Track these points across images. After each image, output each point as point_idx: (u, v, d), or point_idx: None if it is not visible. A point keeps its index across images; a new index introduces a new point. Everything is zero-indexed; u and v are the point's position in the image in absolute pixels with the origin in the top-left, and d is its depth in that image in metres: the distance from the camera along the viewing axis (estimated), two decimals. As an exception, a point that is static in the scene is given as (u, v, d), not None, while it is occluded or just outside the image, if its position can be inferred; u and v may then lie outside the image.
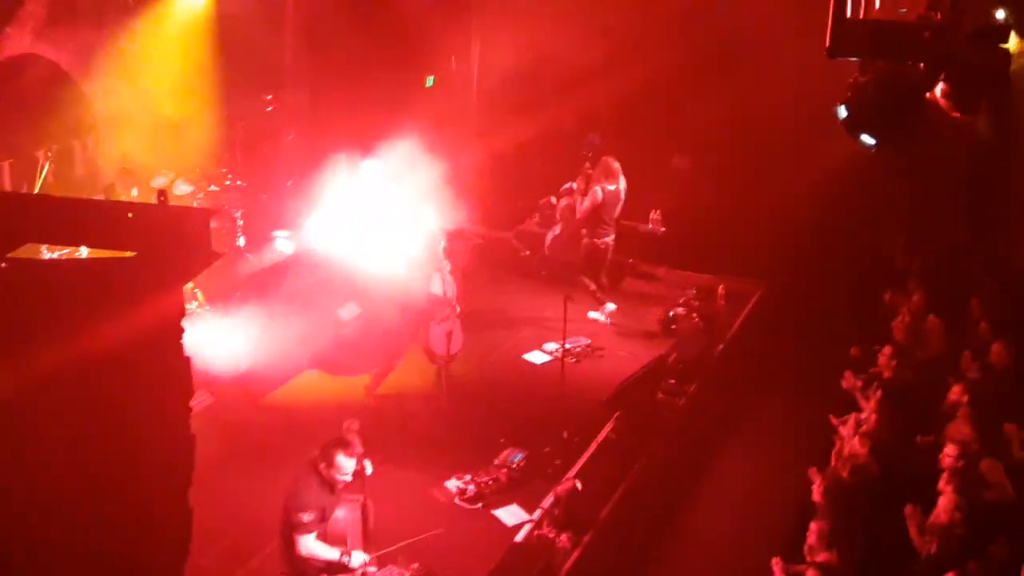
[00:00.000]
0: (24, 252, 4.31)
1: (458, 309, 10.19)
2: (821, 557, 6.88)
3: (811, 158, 12.68)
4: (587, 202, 12.05)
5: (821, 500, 7.39)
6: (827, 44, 9.09)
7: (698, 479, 9.65)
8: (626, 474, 8.84)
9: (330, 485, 6.50)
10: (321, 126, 13.49)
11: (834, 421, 8.86)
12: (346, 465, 6.48)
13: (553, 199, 13.97)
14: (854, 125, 9.63)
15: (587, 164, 12.60)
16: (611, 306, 12.14)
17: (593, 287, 12.23)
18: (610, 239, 12.28)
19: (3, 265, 3.60)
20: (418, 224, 10.38)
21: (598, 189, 11.98)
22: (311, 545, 6.47)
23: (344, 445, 6.53)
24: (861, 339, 10.01)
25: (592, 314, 12.06)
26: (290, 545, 6.55)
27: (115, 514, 3.44)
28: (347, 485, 6.65)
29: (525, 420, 9.81)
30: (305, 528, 6.42)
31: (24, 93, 10.13)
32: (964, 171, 11.54)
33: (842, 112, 9.63)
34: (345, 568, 6.58)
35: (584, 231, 12.24)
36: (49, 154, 10.44)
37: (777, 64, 13.23)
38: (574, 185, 12.82)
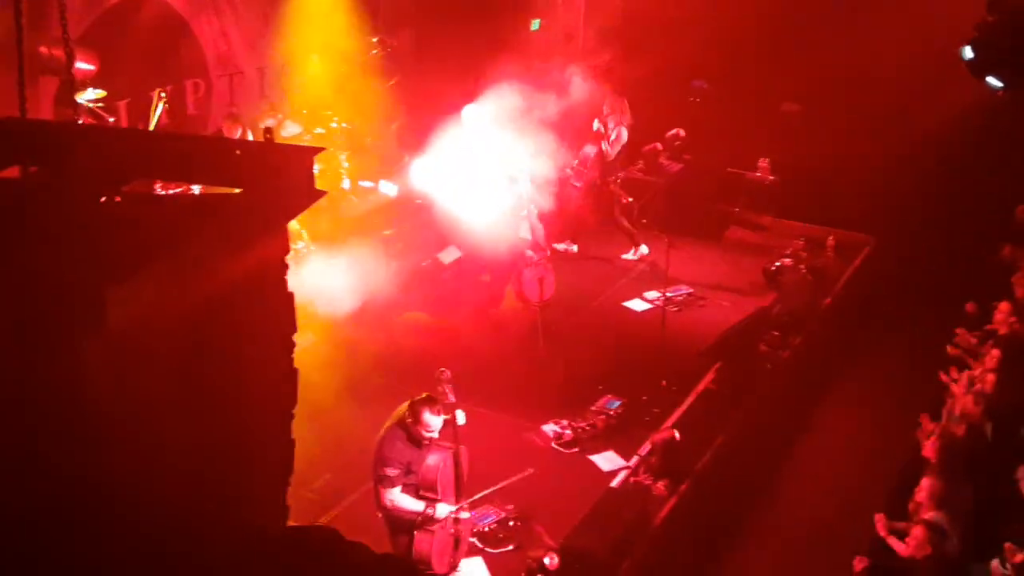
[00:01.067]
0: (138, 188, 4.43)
1: (548, 253, 10.11)
2: (929, 515, 6.70)
3: (930, 103, 12.17)
4: (618, 144, 11.96)
5: (933, 457, 7.18)
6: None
7: (799, 432, 9.49)
8: (725, 425, 8.74)
9: (417, 440, 6.55)
10: (425, 70, 13.48)
11: (945, 379, 8.58)
12: (433, 422, 6.49)
13: (659, 145, 13.73)
14: (980, 67, 9.13)
15: (604, 106, 12.34)
16: (645, 248, 12.08)
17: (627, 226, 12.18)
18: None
19: (117, 199, 3.68)
20: (516, 170, 10.31)
21: (624, 130, 11.84)
22: (395, 498, 6.54)
23: (431, 403, 6.52)
24: (977, 295, 9.63)
25: (626, 255, 11.98)
26: (379, 495, 6.65)
27: (219, 441, 3.52)
28: (440, 433, 6.66)
29: (624, 367, 9.77)
30: (389, 482, 6.49)
31: (140, 35, 10.36)
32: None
33: (967, 53, 9.14)
34: (431, 519, 6.64)
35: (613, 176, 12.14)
36: (163, 95, 10.68)
37: (895, 2, 12.67)
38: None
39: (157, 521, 2.48)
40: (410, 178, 11.90)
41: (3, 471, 2.77)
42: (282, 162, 4.19)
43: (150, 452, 3.25)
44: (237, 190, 3.97)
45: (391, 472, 6.46)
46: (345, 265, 10.65)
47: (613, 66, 12.72)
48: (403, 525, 6.69)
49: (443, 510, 6.64)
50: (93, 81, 9.37)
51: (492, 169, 11.22)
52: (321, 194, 4.27)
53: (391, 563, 2.26)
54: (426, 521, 6.59)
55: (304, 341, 9.58)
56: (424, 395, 6.63)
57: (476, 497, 6.87)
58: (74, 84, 5.90)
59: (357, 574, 2.21)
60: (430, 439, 6.57)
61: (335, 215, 11.05)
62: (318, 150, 4.39)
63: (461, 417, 6.75)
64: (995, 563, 6.40)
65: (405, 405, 6.59)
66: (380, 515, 6.81)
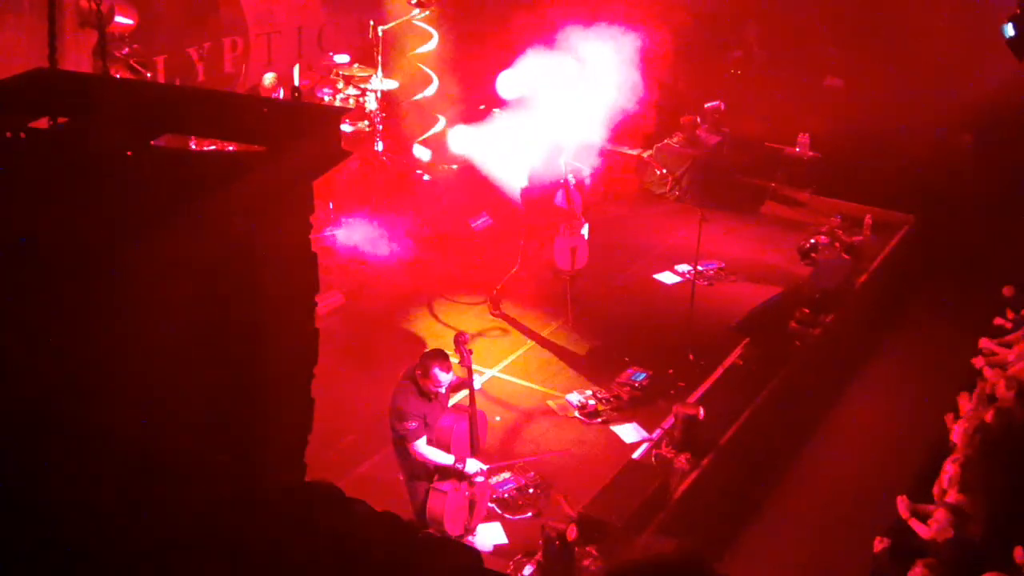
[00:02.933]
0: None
1: (583, 223, 10.05)
2: (953, 498, 6.64)
3: (971, 81, 11.92)
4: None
5: (961, 442, 7.11)
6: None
7: (826, 411, 9.42)
8: (751, 401, 8.69)
9: (427, 395, 6.59)
10: (464, 34, 13.39)
11: (978, 363, 8.47)
12: (442, 378, 6.53)
13: (698, 118, 13.58)
14: (1022, 45, 8.92)
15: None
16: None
17: None
18: None
19: (146, 152, 3.71)
20: (551, 138, 10.24)
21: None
22: (424, 450, 6.60)
23: (441, 359, 6.57)
24: (1015, 278, 9.48)
25: None
26: (403, 453, 6.69)
27: (237, 397, 3.55)
28: (457, 404, 6.69)
29: (651, 340, 9.72)
30: (413, 435, 6.53)
31: (179, -9, 10.39)
32: None
33: (1009, 30, 8.93)
34: (459, 473, 6.68)
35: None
36: (201, 52, 10.72)
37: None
38: None
39: (171, 470, 2.51)
40: (444, 142, 11.88)
41: (24, 419, 2.81)
42: (309, 121, 4.20)
43: (167, 403, 3.29)
44: (264, 148, 3.98)
45: (412, 425, 6.51)
46: (375, 228, 10.69)
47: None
48: (417, 487, 6.74)
49: (473, 466, 6.69)
50: (132, 36, 9.41)
51: (533, 136, 11.17)
52: (347, 154, 4.27)
53: (387, 519, 2.26)
54: (451, 475, 6.63)
55: (332, 301, 9.65)
56: (435, 350, 6.67)
57: (503, 464, 6.89)
58: (106, 38, 5.91)
59: (353, 528, 2.22)
60: (438, 393, 6.61)
61: (367, 177, 11.04)
62: (345, 110, 4.38)
63: (478, 382, 6.76)
64: (1019, 549, 6.33)
65: (416, 360, 6.65)
66: (401, 477, 6.87)
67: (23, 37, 8.70)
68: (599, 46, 11.69)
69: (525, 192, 10.24)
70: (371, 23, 11.49)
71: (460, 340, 6.85)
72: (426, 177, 11.64)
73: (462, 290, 10.59)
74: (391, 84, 11.48)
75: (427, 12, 11.60)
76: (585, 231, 10.14)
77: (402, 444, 6.65)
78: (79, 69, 8.62)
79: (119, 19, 9.00)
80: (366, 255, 10.56)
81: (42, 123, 3.97)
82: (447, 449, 6.64)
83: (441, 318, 10.03)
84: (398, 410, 6.56)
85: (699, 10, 13.13)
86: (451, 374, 6.60)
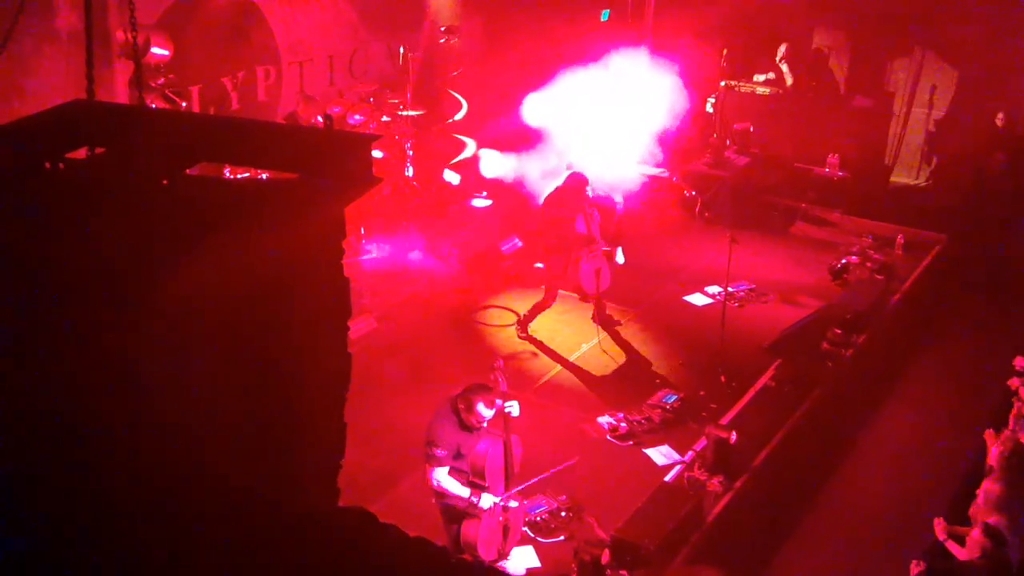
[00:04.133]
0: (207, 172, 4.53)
1: (604, 246, 10.07)
2: (989, 519, 6.56)
3: (1004, 101, 11.85)
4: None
5: (997, 463, 7.04)
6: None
7: (859, 431, 9.34)
8: (784, 422, 8.63)
9: (467, 427, 6.60)
10: (494, 59, 13.51)
11: (1013, 383, 8.38)
12: (484, 413, 6.52)
13: (727, 140, 13.60)
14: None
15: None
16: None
17: None
18: None
19: (182, 181, 3.78)
20: (577, 162, 10.30)
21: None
22: (442, 479, 6.60)
23: (485, 393, 6.56)
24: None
25: None
26: (426, 475, 6.71)
27: (271, 422, 3.59)
28: (491, 422, 6.71)
29: (682, 361, 9.70)
30: (437, 462, 6.54)
31: (213, 21, 10.54)
32: None
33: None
34: (475, 507, 6.66)
35: None
36: (235, 81, 10.87)
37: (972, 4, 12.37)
38: None
39: (205, 497, 2.55)
40: (475, 167, 11.98)
41: (61, 441, 2.86)
42: (342, 149, 4.26)
43: (201, 428, 3.33)
44: (297, 175, 4.04)
45: (440, 452, 6.52)
46: (407, 252, 10.77)
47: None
48: (452, 511, 6.75)
49: (487, 501, 6.67)
50: (167, 66, 9.57)
51: (556, 160, 11.22)
52: (379, 180, 4.33)
53: (420, 545, 2.28)
54: (471, 508, 6.64)
55: (365, 326, 9.72)
56: (478, 384, 6.68)
57: (521, 488, 6.89)
58: (142, 68, 6.03)
59: (386, 554, 2.24)
60: (478, 428, 6.62)
61: (399, 202, 11.14)
62: (376, 137, 4.44)
63: (515, 409, 6.76)
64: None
65: (459, 391, 6.66)
66: (434, 500, 6.89)
67: (61, 67, 8.90)
68: (632, 67, 11.78)
69: (543, 216, 10.29)
70: (401, 49, 11.64)
71: (496, 366, 6.87)
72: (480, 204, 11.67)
73: (491, 313, 10.63)
74: (420, 110, 11.61)
75: (455, 39, 11.75)
76: (620, 256, 10.13)
77: (425, 468, 6.67)
78: (115, 99, 8.80)
79: (155, 50, 9.17)
80: (398, 279, 10.64)
81: (80, 154, 4.06)
82: (482, 475, 6.63)
83: (471, 341, 10.07)
84: (433, 434, 6.58)
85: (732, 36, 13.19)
86: (493, 410, 6.59)
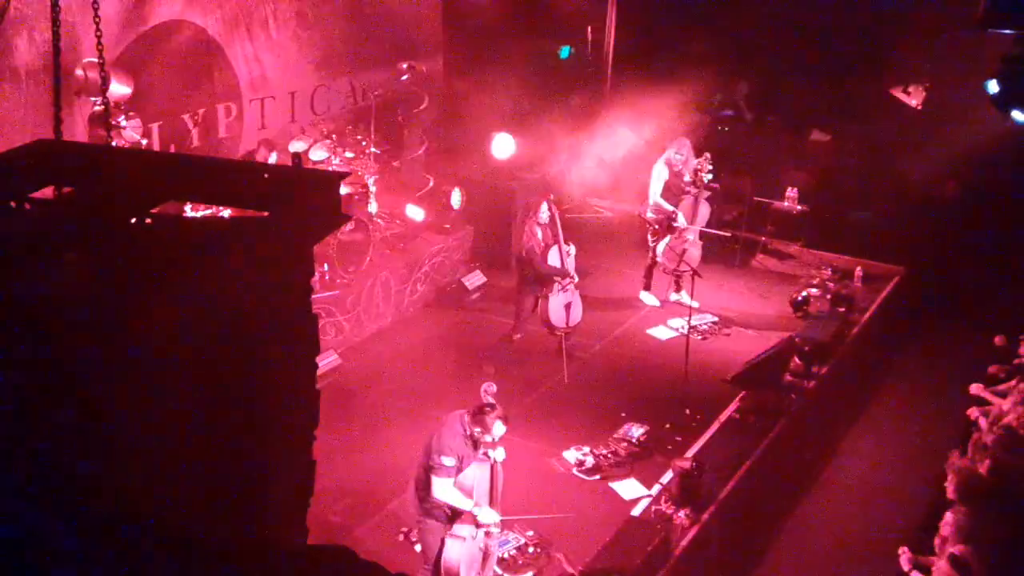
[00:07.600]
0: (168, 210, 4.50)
1: (576, 280, 10.12)
2: (954, 549, 6.62)
3: (957, 136, 12.12)
4: None
5: (957, 493, 7.11)
6: (979, 14, 8.53)
7: (823, 462, 9.42)
8: (749, 454, 8.69)
9: (474, 442, 6.61)
10: (455, 95, 13.60)
11: (972, 413, 8.50)
12: (500, 430, 6.60)
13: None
14: (1006, 101, 9.11)
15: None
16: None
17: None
18: None
19: (148, 221, 3.75)
20: (540, 195, 10.37)
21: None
22: (447, 489, 6.55)
23: (499, 411, 6.64)
24: (1006, 328, 9.55)
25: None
26: (425, 490, 6.63)
27: (237, 460, 3.55)
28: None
29: (647, 395, 9.74)
30: (445, 472, 6.50)
31: (174, 58, 10.50)
32: None
33: (992, 87, 9.12)
34: (471, 519, 6.64)
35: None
36: (196, 118, 10.82)
37: (923, 34, 12.67)
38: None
39: (171, 535, 2.52)
40: (439, 201, 12.01)
41: (19, 479, 2.82)
42: (308, 186, 4.26)
43: (166, 468, 3.29)
44: (264, 213, 4.04)
45: (448, 462, 6.49)
46: (370, 288, 10.75)
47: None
48: (437, 529, 6.71)
49: (488, 515, 6.67)
50: (128, 104, 9.51)
51: (522, 194, 11.29)
52: (347, 218, 4.33)
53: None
54: (467, 521, 6.60)
55: (330, 362, 9.67)
56: (488, 404, 6.71)
57: (514, 519, 6.89)
58: (108, 106, 6.00)
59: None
60: (483, 444, 6.66)
61: (361, 238, 11.12)
62: (344, 175, 4.45)
63: (501, 453, 6.82)
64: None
65: (473, 407, 6.68)
66: (404, 531, 6.81)
67: (19, 106, 8.83)
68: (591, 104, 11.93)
69: (515, 250, 10.34)
70: (361, 86, 11.68)
71: (488, 391, 6.92)
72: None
73: (456, 349, 10.62)
74: (382, 147, 11.65)
75: (406, 77, 11.89)
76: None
77: (427, 480, 6.61)
78: (75, 137, 8.73)
79: (116, 87, 9.11)
80: (362, 315, 10.62)
81: (46, 193, 4.02)
82: (470, 494, 6.63)
83: (436, 378, 10.03)
84: (441, 445, 6.54)
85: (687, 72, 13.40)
86: (506, 427, 6.68)
